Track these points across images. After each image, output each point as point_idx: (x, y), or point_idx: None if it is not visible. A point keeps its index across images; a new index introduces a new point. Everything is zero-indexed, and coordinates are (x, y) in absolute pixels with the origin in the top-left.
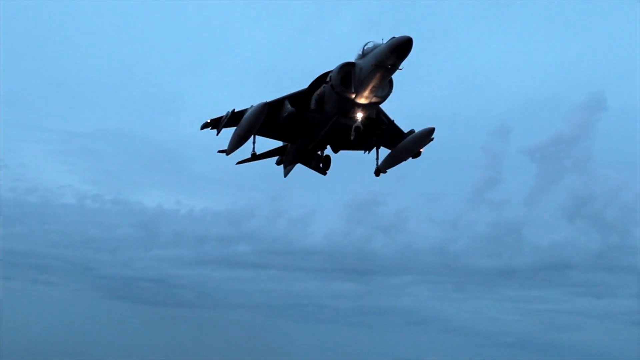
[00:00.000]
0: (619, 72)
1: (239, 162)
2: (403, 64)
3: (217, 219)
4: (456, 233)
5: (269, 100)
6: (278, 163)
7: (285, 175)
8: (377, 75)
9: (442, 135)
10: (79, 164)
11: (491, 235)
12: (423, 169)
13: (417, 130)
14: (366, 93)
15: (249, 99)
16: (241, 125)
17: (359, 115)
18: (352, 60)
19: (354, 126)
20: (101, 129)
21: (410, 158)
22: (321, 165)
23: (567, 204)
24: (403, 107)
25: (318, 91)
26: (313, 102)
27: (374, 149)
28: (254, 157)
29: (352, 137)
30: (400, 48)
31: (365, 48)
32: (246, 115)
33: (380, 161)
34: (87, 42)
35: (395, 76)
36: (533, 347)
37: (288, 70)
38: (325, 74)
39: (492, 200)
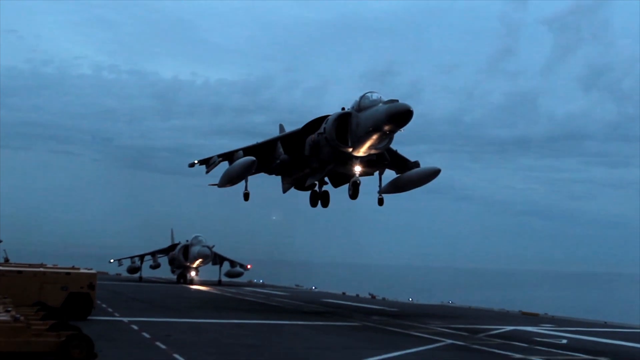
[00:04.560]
0: None
1: None
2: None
3: (233, 90)
4: (472, 103)
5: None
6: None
7: (284, 191)
8: (375, 137)
9: (459, 4)
10: (94, 34)
11: (507, 105)
12: (439, 38)
13: (422, 164)
14: (363, 149)
15: None
16: (230, 172)
17: (357, 169)
18: (349, 108)
19: (351, 181)
20: None
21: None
22: (319, 202)
23: (583, 74)
24: None
25: (313, 137)
26: (307, 147)
27: (377, 173)
28: (247, 195)
29: (350, 193)
30: (398, 118)
31: (362, 100)
32: (235, 165)
33: (383, 185)
34: None
35: None
36: (548, 215)
37: None
38: (321, 118)
39: (508, 70)
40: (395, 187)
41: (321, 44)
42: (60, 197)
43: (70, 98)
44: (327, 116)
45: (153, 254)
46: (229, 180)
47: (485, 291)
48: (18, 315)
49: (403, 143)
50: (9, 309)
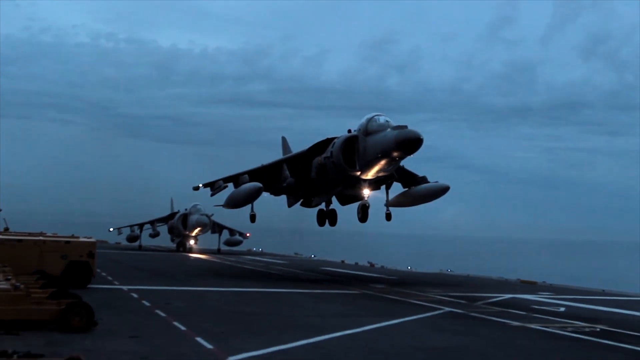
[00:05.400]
0: None
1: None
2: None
3: (232, 58)
4: (471, 71)
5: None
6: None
7: (290, 206)
8: (383, 162)
9: None
10: (91, 2)
11: (506, 74)
12: (437, 7)
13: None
14: (372, 173)
15: None
16: (235, 197)
17: (366, 192)
18: (355, 129)
19: (360, 204)
20: None
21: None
22: (326, 221)
23: (583, 42)
24: None
25: (319, 160)
26: (314, 170)
27: (384, 187)
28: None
29: (359, 216)
30: (407, 145)
31: (369, 123)
32: (241, 191)
33: (390, 197)
34: None
35: None
36: (547, 183)
37: None
38: (328, 140)
39: (508, 38)
40: (402, 201)
41: (320, 13)
42: (60, 165)
43: (69, 66)
44: (333, 138)
45: (152, 223)
46: (234, 204)
47: (484, 259)
48: (18, 284)
49: (403, 112)
50: (9, 277)
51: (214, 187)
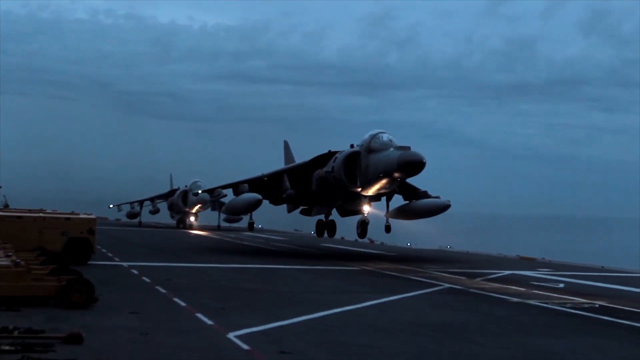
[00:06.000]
0: None
1: None
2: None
3: (231, 34)
4: (470, 48)
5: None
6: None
7: (289, 212)
8: (384, 182)
9: None
10: None
11: (505, 50)
12: None
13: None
14: (372, 190)
15: None
16: (234, 207)
17: (366, 208)
18: (357, 145)
19: (359, 220)
20: None
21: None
22: (325, 233)
23: (583, 18)
24: None
25: (320, 173)
26: (314, 182)
27: (384, 198)
28: (252, 225)
29: (358, 232)
30: (409, 168)
31: (372, 140)
32: (240, 201)
33: (390, 209)
34: None
35: None
36: (546, 159)
37: None
38: (330, 154)
39: (507, 14)
40: (402, 214)
41: None
42: (59, 142)
43: (68, 43)
44: (335, 152)
45: (152, 200)
46: (232, 213)
47: (484, 236)
48: (19, 260)
49: (403, 88)
50: (10, 254)
51: (214, 194)
